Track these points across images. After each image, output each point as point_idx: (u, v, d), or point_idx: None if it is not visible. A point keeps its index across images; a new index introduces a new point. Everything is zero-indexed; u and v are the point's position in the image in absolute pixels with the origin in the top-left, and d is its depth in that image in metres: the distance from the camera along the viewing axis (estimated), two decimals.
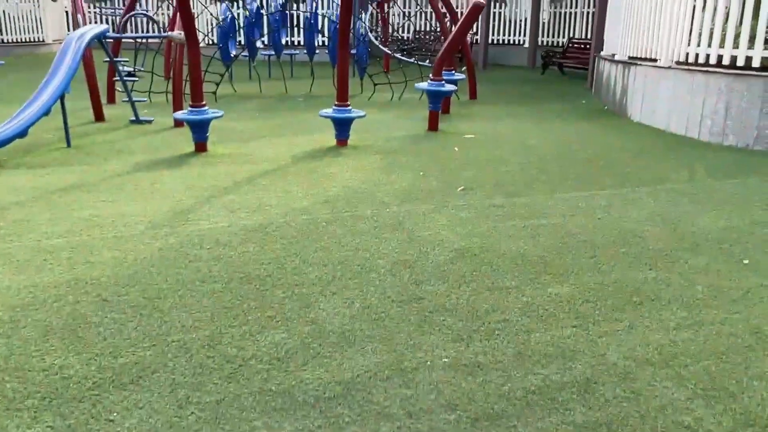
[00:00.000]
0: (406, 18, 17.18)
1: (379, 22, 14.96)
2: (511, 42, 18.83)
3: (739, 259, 3.91)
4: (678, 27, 8.14)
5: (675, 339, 2.93)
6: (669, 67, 8.19)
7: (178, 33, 7.76)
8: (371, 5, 14.86)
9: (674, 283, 3.54)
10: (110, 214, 4.73)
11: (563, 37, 17.70)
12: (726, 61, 7.43)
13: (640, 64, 8.95)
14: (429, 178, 5.83)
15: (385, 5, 15.67)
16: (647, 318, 3.13)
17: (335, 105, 7.11)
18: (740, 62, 7.29)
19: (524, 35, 18.44)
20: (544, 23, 18.16)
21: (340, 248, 4.06)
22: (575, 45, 15.76)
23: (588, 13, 17.14)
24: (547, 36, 18.17)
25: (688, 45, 7.97)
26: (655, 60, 8.74)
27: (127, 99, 8.53)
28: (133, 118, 8.61)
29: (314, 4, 11.63)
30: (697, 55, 7.83)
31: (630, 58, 9.82)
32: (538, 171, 6.13)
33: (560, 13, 17.88)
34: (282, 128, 8.51)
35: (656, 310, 3.21)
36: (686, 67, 7.87)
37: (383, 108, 10.29)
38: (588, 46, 15.03)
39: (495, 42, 18.82)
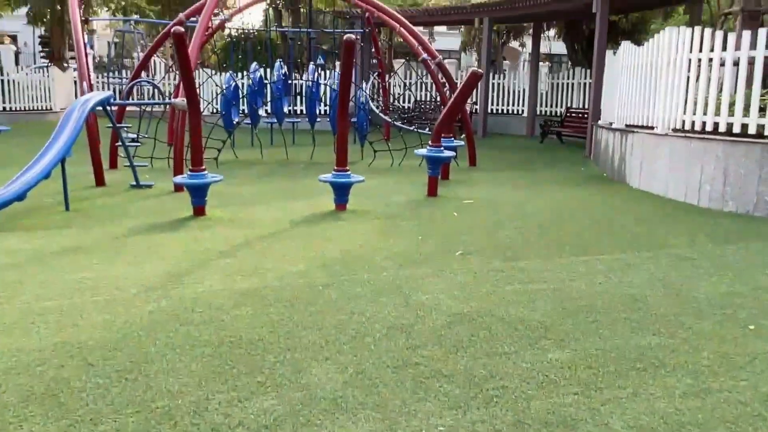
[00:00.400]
0: (406, 87, 17.54)
1: (380, 91, 15.27)
2: (510, 111, 19.16)
3: (744, 325, 3.81)
4: (674, 96, 8.27)
5: (681, 407, 2.81)
6: (666, 135, 8.27)
7: (180, 100, 7.89)
8: (372, 75, 15.21)
9: (679, 349, 3.43)
10: (104, 277, 4.67)
11: (561, 107, 18.02)
12: (722, 128, 7.51)
13: (638, 132, 9.05)
14: (427, 242, 5.78)
15: (386, 75, 16.04)
16: (652, 385, 3.02)
17: (334, 170, 7.14)
18: (736, 129, 7.36)
19: (523, 105, 18.78)
20: (542, 93, 18.54)
21: (335, 312, 3.97)
22: (573, 114, 16.02)
23: (585, 84, 17.50)
24: (546, 106, 18.51)
25: (684, 113, 8.08)
26: (652, 128, 8.84)
27: (129, 164, 8.59)
28: (134, 183, 8.65)
29: (315, 74, 11.90)
30: (693, 123, 7.92)
31: (627, 126, 9.95)
32: (537, 236, 6.09)
33: (558, 84, 18.27)
34: (282, 193, 8.54)
35: (661, 377, 3.10)
36: (683, 134, 7.95)
37: (383, 174, 10.35)
38: (585, 116, 15.28)
39: (494, 111, 19.16)
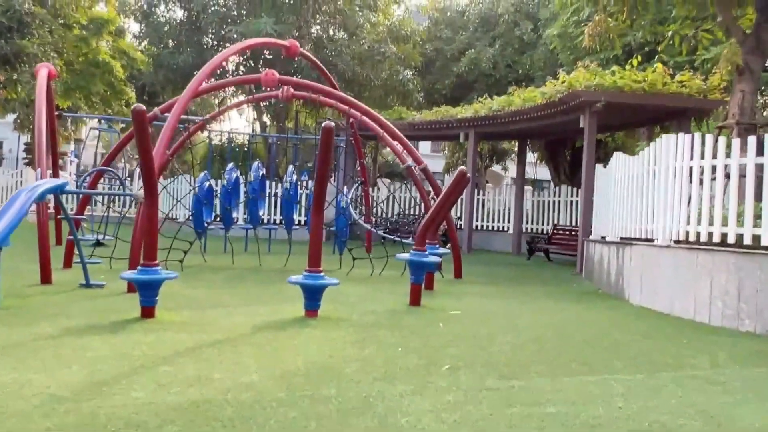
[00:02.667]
0: (389, 198, 17.13)
1: (362, 199, 14.79)
2: (496, 228, 18.73)
3: None
4: (675, 206, 7.74)
5: None
6: (668, 246, 7.65)
7: (140, 189, 7.19)
8: (354, 182, 14.79)
9: None
10: (7, 383, 3.74)
11: (547, 224, 17.62)
12: (731, 239, 6.90)
13: (636, 244, 8.44)
14: (409, 355, 4.91)
15: (369, 186, 15.67)
16: None
17: (306, 270, 6.36)
18: (747, 240, 6.76)
19: (508, 222, 18.38)
20: (527, 211, 18.19)
21: None
22: (560, 232, 15.56)
23: (571, 201, 17.21)
24: (531, 223, 18.10)
25: (687, 224, 7.51)
26: (650, 240, 8.24)
27: (80, 261, 7.76)
28: (83, 282, 7.76)
29: (294, 176, 11.38)
30: (698, 234, 7.33)
31: (622, 239, 9.36)
32: (534, 351, 5.25)
33: (543, 201, 17.98)
34: (247, 298, 7.68)
35: None
36: (687, 245, 7.33)
37: (362, 283, 9.56)
38: (574, 233, 14.80)
39: (479, 228, 18.72)
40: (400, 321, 6.40)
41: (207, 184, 10.85)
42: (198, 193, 10.47)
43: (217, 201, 11.29)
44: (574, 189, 17.40)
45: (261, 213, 11.63)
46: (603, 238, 10.65)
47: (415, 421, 3.36)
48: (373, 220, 17.39)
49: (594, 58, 15.11)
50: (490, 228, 18.83)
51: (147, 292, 5.92)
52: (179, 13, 20.64)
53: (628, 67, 12.20)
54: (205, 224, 10.51)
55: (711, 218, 7.19)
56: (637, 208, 8.80)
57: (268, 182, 14.33)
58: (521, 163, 18.37)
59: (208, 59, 18.12)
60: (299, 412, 3.43)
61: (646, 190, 8.54)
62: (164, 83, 21.42)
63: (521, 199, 17.83)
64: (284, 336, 5.42)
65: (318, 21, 19.55)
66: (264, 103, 20.80)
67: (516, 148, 29.22)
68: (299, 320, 6.17)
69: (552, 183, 23.34)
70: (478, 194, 19.05)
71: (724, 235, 7.02)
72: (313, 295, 6.29)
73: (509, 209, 18.40)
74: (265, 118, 22.00)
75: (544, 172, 26.61)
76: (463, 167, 7.24)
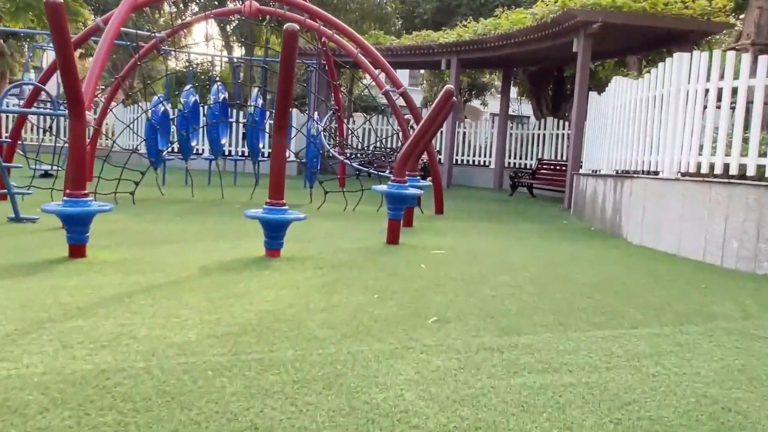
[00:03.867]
0: (366, 120, 16.08)
1: (336, 129, 13.75)
2: (477, 163, 17.86)
3: None
4: (686, 134, 6.88)
5: None
6: (676, 179, 6.84)
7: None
8: (327, 110, 13.71)
9: None
10: None
11: (531, 159, 16.79)
12: (751, 171, 6.10)
13: (637, 177, 7.62)
14: (387, 302, 4.07)
15: (343, 114, 14.60)
16: None
17: (266, 203, 5.43)
18: None
19: (490, 156, 17.50)
20: (510, 144, 17.31)
21: (224, 423, 2.21)
22: (545, 166, 14.74)
23: (557, 135, 16.34)
24: (514, 158, 17.25)
25: (699, 154, 6.68)
26: (654, 173, 7.43)
27: (7, 191, 6.73)
28: (12, 216, 6.76)
29: (259, 100, 10.26)
30: (712, 165, 6.51)
31: (619, 172, 8.55)
32: (536, 296, 4.44)
33: (527, 135, 17.08)
34: (202, 234, 6.75)
35: None
36: (699, 178, 6.52)
37: (334, 219, 8.68)
38: (559, 168, 14.00)
39: (460, 162, 17.83)
40: (376, 261, 5.54)
41: (161, 107, 9.72)
42: (151, 118, 9.35)
43: (175, 128, 10.19)
44: (560, 121, 16.53)
45: (223, 141, 10.56)
46: (595, 171, 9.84)
47: (395, 398, 2.53)
48: (348, 153, 16.40)
49: None
50: (471, 162, 17.95)
51: (75, 228, 4.97)
52: None
53: None
54: (160, 153, 9.44)
55: (728, 147, 6.37)
56: (639, 137, 7.95)
57: (232, 109, 13.18)
58: (505, 93, 17.35)
59: None
60: (242, 386, 2.58)
61: (651, 117, 7.67)
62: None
63: (504, 132, 16.90)
64: (238, 280, 4.54)
65: None
66: (230, 25, 19.39)
67: (496, 82, 28.17)
68: (258, 260, 5.28)
69: (534, 117, 22.40)
70: (459, 126, 18.08)
71: (742, 167, 6.22)
72: (274, 232, 5.38)
73: (491, 143, 17.49)
74: (234, 45, 20.52)
75: (525, 109, 25.63)
76: (450, 85, 6.27)
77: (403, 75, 31.48)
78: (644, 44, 13.01)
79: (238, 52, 21.48)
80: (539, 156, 16.44)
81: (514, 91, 23.73)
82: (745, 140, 6.27)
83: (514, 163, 17.16)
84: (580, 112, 11.53)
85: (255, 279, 4.58)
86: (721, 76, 6.52)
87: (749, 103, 6.36)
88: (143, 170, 9.15)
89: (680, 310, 4.28)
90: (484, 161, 17.70)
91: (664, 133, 7.27)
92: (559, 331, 3.61)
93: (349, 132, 18.52)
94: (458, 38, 14.71)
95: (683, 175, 6.91)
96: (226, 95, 10.46)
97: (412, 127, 10.17)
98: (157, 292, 4.08)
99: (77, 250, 5.00)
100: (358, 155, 14.13)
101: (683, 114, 6.97)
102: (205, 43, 24.17)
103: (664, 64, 7.40)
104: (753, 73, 6.20)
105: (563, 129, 16.17)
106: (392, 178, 6.50)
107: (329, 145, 12.07)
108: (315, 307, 3.87)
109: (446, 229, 8.16)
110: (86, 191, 5.05)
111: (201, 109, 10.28)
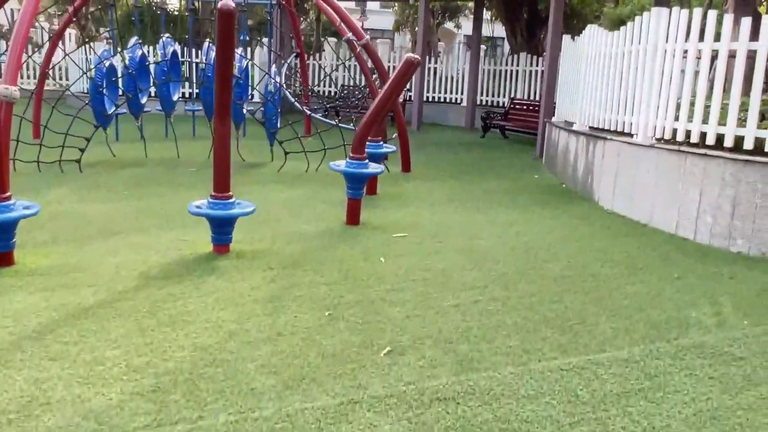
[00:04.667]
0: (333, 69, 15.35)
1: (298, 74, 13.05)
2: (448, 100, 17.29)
3: None
4: (662, 97, 6.49)
5: None
6: (651, 146, 6.49)
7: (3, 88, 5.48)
8: (289, 55, 12.97)
9: None
10: None
11: (503, 96, 16.27)
12: (729, 142, 5.77)
13: (611, 139, 7.26)
14: (338, 324, 3.75)
15: (307, 56, 13.87)
16: None
17: (212, 196, 4.99)
18: (748, 144, 5.64)
19: (462, 93, 16.93)
20: (482, 81, 16.71)
21: None
22: (518, 107, 14.27)
23: (531, 71, 15.78)
24: (487, 95, 16.70)
25: (676, 119, 6.31)
26: (628, 135, 7.07)
27: None
28: None
29: (212, 53, 9.54)
30: (688, 133, 6.16)
31: (592, 129, 8.17)
32: (501, 304, 4.16)
33: (500, 71, 16.47)
34: (149, 217, 6.30)
35: None
36: (675, 147, 6.18)
37: (294, 184, 8.24)
38: (532, 107, 13.55)
39: (430, 99, 17.24)
40: (333, 253, 5.19)
41: (107, 63, 9.00)
42: (95, 75, 8.65)
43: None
44: (534, 57, 15.93)
45: (176, 98, 9.90)
46: (568, 123, 9.44)
47: None
48: (316, 93, 15.72)
49: None
50: (442, 100, 17.37)
51: None
52: None
53: None
54: (106, 116, 8.79)
55: (706, 115, 6.00)
56: (613, 95, 7.53)
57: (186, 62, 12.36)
58: (477, 26, 16.60)
59: None
60: None
61: (626, 74, 7.23)
62: None
63: (476, 68, 16.27)
64: (177, 294, 4.16)
65: None
66: None
67: (470, 3, 27.10)
68: (204, 260, 4.90)
69: (508, 44, 21.63)
70: (430, 61, 17.38)
71: (720, 137, 5.88)
72: (221, 228, 4.97)
73: (463, 77, 16.86)
74: None
75: (499, 30, 24.72)
76: (411, 55, 5.74)
77: None
78: None
79: None
80: (512, 94, 15.92)
81: (488, 14, 22.87)
82: (725, 108, 5.91)
83: (487, 101, 16.63)
84: (554, 54, 11.00)
85: (196, 293, 4.20)
86: (702, 38, 6.08)
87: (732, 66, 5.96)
88: (89, 136, 8.54)
89: (653, 317, 4.03)
90: (456, 98, 17.13)
91: (639, 93, 6.87)
92: (521, 363, 3.33)
93: (320, 71, 17.74)
94: None
95: (658, 141, 6.56)
96: (176, 48, 9.72)
97: (377, 81, 9.59)
98: (84, 320, 3.70)
99: (3, 258, 4.56)
100: (325, 102, 13.43)
101: (660, 75, 6.55)
102: None
103: (641, 17, 6.90)
104: (736, 36, 5.77)
105: (537, 65, 15.60)
106: (350, 155, 6.06)
107: (291, 94, 11.45)
108: (258, 337, 3.54)
109: (412, 195, 7.77)
110: (7, 194, 4.55)
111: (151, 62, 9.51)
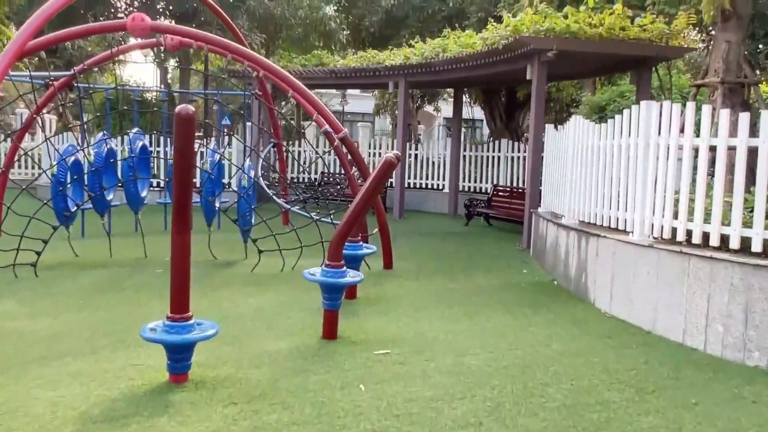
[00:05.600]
0: (314, 159, 15.06)
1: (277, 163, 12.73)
2: (430, 186, 17.01)
3: None
4: (658, 194, 6.12)
5: None
6: (650, 246, 6.06)
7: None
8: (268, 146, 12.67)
9: None
10: None
11: (486, 182, 16.03)
12: (734, 244, 5.35)
13: (605, 237, 6.83)
14: None
15: (287, 143, 13.59)
16: None
17: (168, 318, 4.42)
18: (756, 246, 5.21)
19: (444, 179, 16.68)
20: (465, 167, 16.49)
21: None
22: (501, 193, 13.97)
23: (513, 158, 15.61)
24: (469, 180, 16.46)
25: (675, 218, 5.91)
26: (624, 231, 6.66)
27: None
28: None
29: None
30: (689, 232, 5.75)
31: (582, 223, 7.77)
32: None
33: (482, 157, 16.30)
34: (102, 334, 5.67)
35: None
36: (676, 248, 5.74)
37: (268, 285, 7.68)
38: (516, 193, 13.26)
39: (412, 186, 16.96)
40: (307, 380, 4.57)
41: (72, 158, 8.55)
42: (57, 172, 8.18)
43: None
44: (515, 144, 15.82)
45: (144, 194, 9.43)
46: (555, 215, 9.07)
47: None
48: (295, 182, 15.39)
49: None
50: (424, 186, 17.09)
51: None
52: None
53: (582, 7, 10.41)
54: (66, 215, 8.26)
55: (707, 213, 5.61)
56: (604, 189, 7.17)
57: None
58: (457, 113, 16.53)
59: None
60: None
61: (617, 168, 6.90)
62: (55, 21, 18.19)
63: (457, 154, 16.09)
64: None
65: None
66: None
67: (450, 89, 27.43)
68: (158, 392, 4.27)
69: (487, 127, 21.64)
70: (410, 148, 17.21)
71: (725, 237, 5.46)
72: (178, 355, 4.37)
73: (445, 163, 16.64)
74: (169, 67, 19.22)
75: (478, 111, 24.88)
76: (390, 155, 5.35)
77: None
78: (602, 68, 12.35)
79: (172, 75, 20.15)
80: (495, 180, 15.68)
81: (466, 96, 23.01)
82: (727, 205, 5.52)
83: (470, 187, 16.37)
84: (537, 143, 10.76)
85: None
86: (698, 132, 5.77)
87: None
88: (54, 226, 8.00)
89: None
90: (438, 184, 16.86)
91: (633, 189, 6.50)
92: None
93: (301, 159, 17.46)
94: (405, 60, 13.82)
95: (657, 240, 6.14)
96: (146, 141, 9.32)
97: (356, 177, 9.21)
98: None
99: None
100: (303, 192, 12.99)
101: (653, 170, 6.20)
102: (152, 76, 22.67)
103: (629, 110, 6.62)
104: (733, 131, 5.46)
105: (518, 152, 15.46)
106: (326, 262, 5.55)
107: (269, 183, 11.08)
108: None
109: (394, 297, 7.21)
110: None
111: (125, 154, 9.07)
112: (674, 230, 5.93)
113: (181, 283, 4.45)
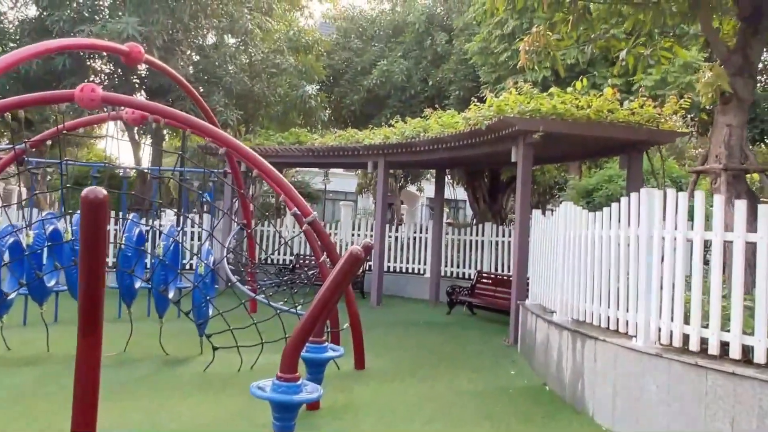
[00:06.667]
0: (287, 240, 14.24)
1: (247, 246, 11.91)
2: (411, 270, 16.19)
3: None
4: (664, 294, 5.35)
5: None
6: (658, 355, 5.23)
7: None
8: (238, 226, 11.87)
9: None
10: None
11: (469, 267, 15.24)
12: (760, 357, 4.55)
13: (604, 341, 6.00)
14: None
15: (262, 223, 12.80)
16: None
17: None
18: None
19: (425, 264, 15.88)
20: (446, 248, 15.74)
21: None
22: (485, 280, 13.15)
23: (497, 242, 14.91)
24: (451, 266, 15.66)
25: (686, 323, 5.12)
26: (625, 334, 5.84)
27: None
28: None
29: (135, 229, 8.30)
30: (704, 341, 4.95)
31: (576, 321, 6.96)
32: None
33: (464, 241, 15.58)
34: None
35: None
36: (690, 359, 4.92)
37: (222, 391, 6.69)
38: (501, 282, 12.45)
39: (391, 269, 16.12)
40: None
41: (9, 240, 7.68)
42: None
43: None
44: (499, 227, 15.16)
45: None
46: (546, 310, 8.26)
47: None
48: (265, 265, 14.52)
49: (520, 77, 12.89)
50: (404, 270, 16.26)
51: None
52: (32, 11, 17.03)
53: (570, 89, 9.96)
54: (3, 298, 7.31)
55: (725, 320, 4.83)
56: (602, 286, 6.41)
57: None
58: (438, 196, 15.93)
59: (58, 65, 14.80)
60: None
61: (615, 262, 6.16)
62: (13, 92, 17.67)
63: (439, 238, 15.36)
64: None
65: (201, 24, 16.41)
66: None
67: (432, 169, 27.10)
68: None
69: (471, 208, 21.09)
70: (390, 231, 16.48)
71: (748, 349, 4.67)
72: None
73: (426, 246, 15.88)
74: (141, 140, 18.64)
75: (461, 191, 24.44)
76: (356, 248, 4.57)
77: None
78: (591, 151, 11.85)
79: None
80: (479, 266, 14.90)
81: (448, 177, 22.59)
82: (749, 310, 4.75)
83: (452, 272, 15.56)
84: (523, 232, 10.07)
85: None
86: (708, 225, 5.07)
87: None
88: None
89: None
90: (419, 269, 16.05)
91: (635, 287, 5.73)
92: None
93: (277, 239, 16.66)
94: (385, 140, 13.28)
95: (665, 347, 5.33)
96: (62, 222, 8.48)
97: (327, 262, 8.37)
98: None
99: None
100: (273, 277, 12.07)
101: (659, 267, 5.46)
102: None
103: (628, 199, 5.94)
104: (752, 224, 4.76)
105: (503, 236, 14.77)
106: (278, 374, 4.65)
107: (232, 269, 10.21)
108: None
109: (364, 409, 6.23)
110: None
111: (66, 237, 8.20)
112: (686, 338, 5.13)
113: (86, 397, 3.53)
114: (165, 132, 19.97)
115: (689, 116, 11.50)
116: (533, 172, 15.59)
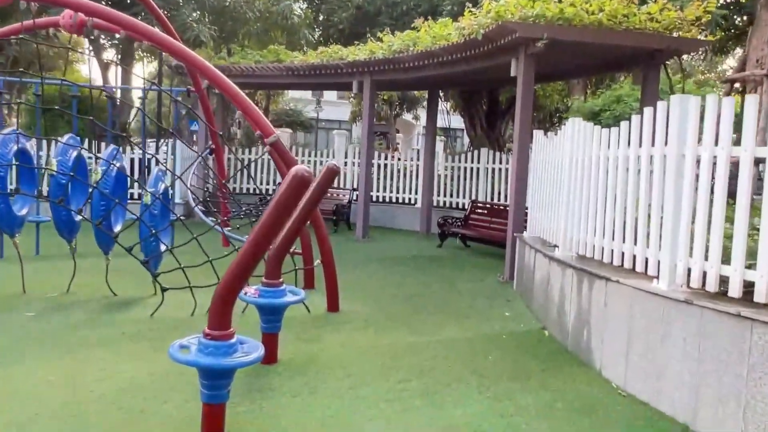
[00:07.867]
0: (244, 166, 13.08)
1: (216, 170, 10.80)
2: (400, 200, 15.15)
3: None
4: (698, 227, 4.29)
5: None
6: (687, 302, 4.21)
7: None
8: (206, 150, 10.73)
9: None
10: None
11: (463, 196, 14.19)
12: None
13: (617, 282, 4.98)
14: None
15: (227, 149, 11.66)
16: None
17: None
18: None
19: (416, 193, 14.83)
20: (439, 176, 14.66)
21: None
22: (480, 210, 12.13)
23: (493, 169, 13.80)
24: (444, 195, 14.61)
25: (725, 262, 4.09)
26: (648, 276, 4.83)
27: None
28: None
29: (71, 152, 7.08)
30: (748, 285, 3.93)
31: (582, 258, 5.95)
32: None
33: (458, 168, 14.46)
34: None
35: None
36: (730, 307, 3.91)
37: (165, 338, 5.70)
38: (497, 210, 11.44)
39: (379, 199, 15.09)
40: None
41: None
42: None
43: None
44: (496, 153, 14.02)
45: (23, 212, 7.43)
46: (545, 243, 7.25)
47: None
48: (236, 194, 13.49)
49: None
50: (393, 200, 15.22)
51: None
52: None
53: None
54: None
55: None
56: (614, 215, 5.35)
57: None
58: (432, 118, 14.73)
59: None
60: None
61: (634, 187, 5.09)
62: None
63: (431, 165, 14.26)
64: None
65: None
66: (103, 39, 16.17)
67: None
68: None
69: (467, 135, 19.90)
70: (379, 157, 15.35)
71: None
72: None
73: (417, 175, 14.80)
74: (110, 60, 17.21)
75: (457, 120, 23.14)
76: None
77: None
78: (600, 65, 10.57)
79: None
80: (473, 195, 13.85)
81: (445, 104, 21.27)
82: None
83: (444, 202, 14.52)
84: (522, 155, 8.96)
85: None
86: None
87: None
88: None
89: None
90: (409, 198, 15.01)
91: (658, 219, 4.67)
92: None
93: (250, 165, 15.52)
94: (370, 56, 11.96)
95: (695, 290, 4.32)
96: (29, 144, 7.30)
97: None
98: None
99: None
100: (247, 206, 10.96)
101: (691, 194, 4.38)
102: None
103: (653, 109, 4.80)
104: None
105: (500, 163, 13.65)
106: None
107: (195, 199, 9.16)
108: None
109: (328, 366, 5.24)
110: None
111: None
112: (724, 281, 4.10)
113: None
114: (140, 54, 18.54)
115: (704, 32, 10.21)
116: (534, 93, 14.33)
